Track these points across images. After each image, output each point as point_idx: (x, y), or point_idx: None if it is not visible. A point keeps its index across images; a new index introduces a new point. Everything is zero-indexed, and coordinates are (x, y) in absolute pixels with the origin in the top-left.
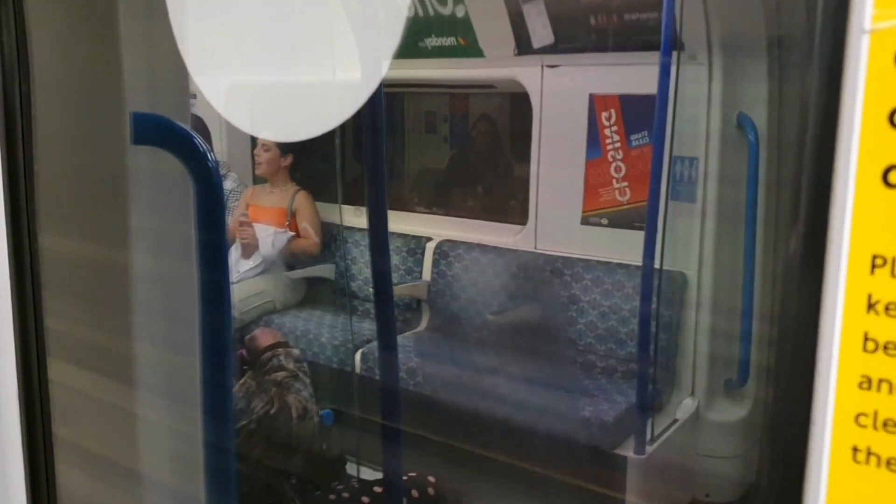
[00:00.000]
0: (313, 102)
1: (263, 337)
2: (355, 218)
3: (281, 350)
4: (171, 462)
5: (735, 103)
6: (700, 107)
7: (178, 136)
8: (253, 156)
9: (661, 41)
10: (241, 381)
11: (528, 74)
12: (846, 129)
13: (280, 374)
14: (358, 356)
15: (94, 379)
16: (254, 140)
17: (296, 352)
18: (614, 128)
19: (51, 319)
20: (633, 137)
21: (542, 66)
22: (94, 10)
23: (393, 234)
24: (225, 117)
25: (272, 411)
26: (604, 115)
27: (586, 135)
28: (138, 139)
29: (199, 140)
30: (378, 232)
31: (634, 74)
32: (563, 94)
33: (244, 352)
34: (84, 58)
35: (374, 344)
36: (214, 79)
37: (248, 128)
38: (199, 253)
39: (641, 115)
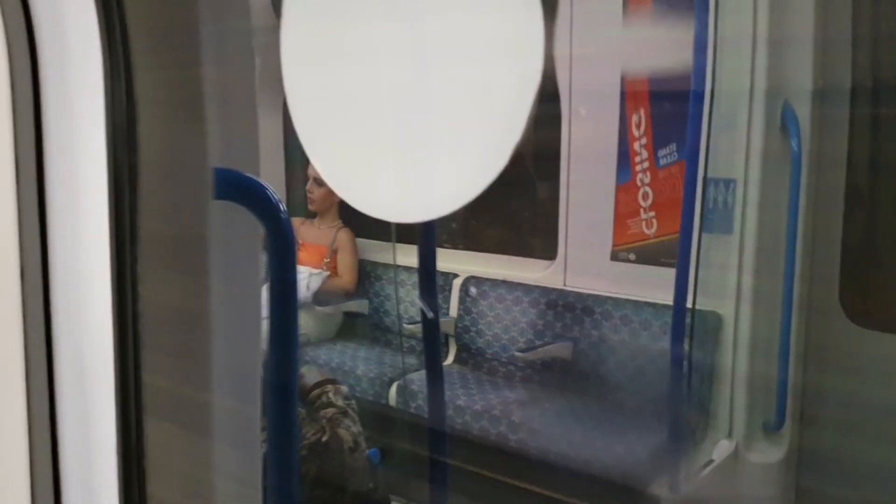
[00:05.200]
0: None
1: (311, 374)
2: (387, 254)
3: (330, 387)
4: None
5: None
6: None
7: (252, 189)
8: (289, 190)
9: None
10: None
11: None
12: None
13: (330, 411)
14: (393, 389)
15: (179, 432)
16: (288, 174)
17: (344, 389)
18: (643, 140)
19: (147, 375)
20: (660, 154)
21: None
22: (182, 78)
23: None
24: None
25: (324, 440)
26: (634, 119)
27: (617, 144)
28: (219, 194)
29: (271, 192)
30: (427, 271)
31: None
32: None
33: None
34: (174, 120)
35: (409, 377)
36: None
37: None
38: (271, 299)
39: (671, 121)
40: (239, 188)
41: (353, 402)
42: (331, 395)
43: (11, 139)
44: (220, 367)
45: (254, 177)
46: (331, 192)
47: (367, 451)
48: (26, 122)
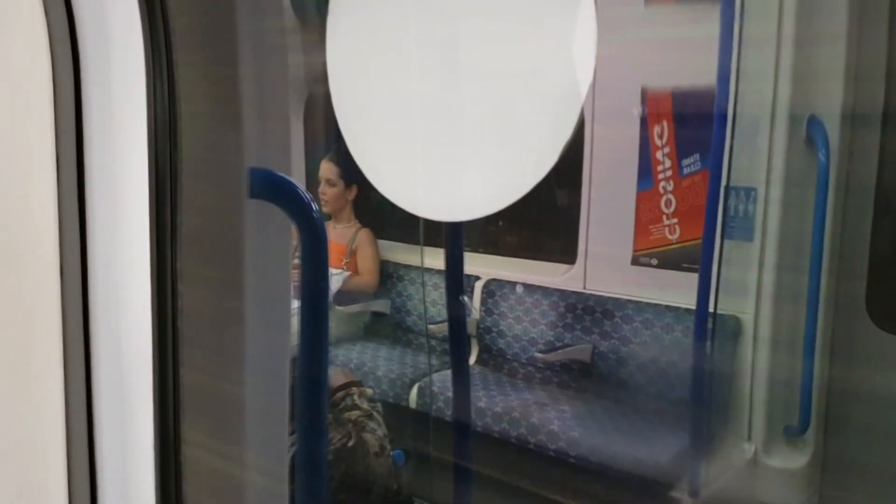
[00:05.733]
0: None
1: (336, 376)
2: (409, 256)
3: (354, 389)
4: None
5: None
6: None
7: (285, 188)
8: (313, 192)
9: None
10: None
11: None
12: None
13: (354, 413)
14: (414, 390)
15: (214, 429)
16: (308, 177)
17: (369, 391)
18: (666, 149)
19: (184, 372)
20: (684, 163)
21: None
22: (220, 77)
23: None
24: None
25: (350, 444)
26: (656, 129)
27: (638, 150)
28: (254, 193)
29: (303, 191)
30: (454, 272)
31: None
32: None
33: None
34: (212, 120)
35: (430, 378)
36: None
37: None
38: (303, 298)
39: (694, 132)
40: (273, 187)
41: (378, 404)
42: (355, 397)
43: (53, 137)
44: (252, 366)
45: (287, 176)
46: (343, 192)
47: (392, 454)
48: (68, 120)
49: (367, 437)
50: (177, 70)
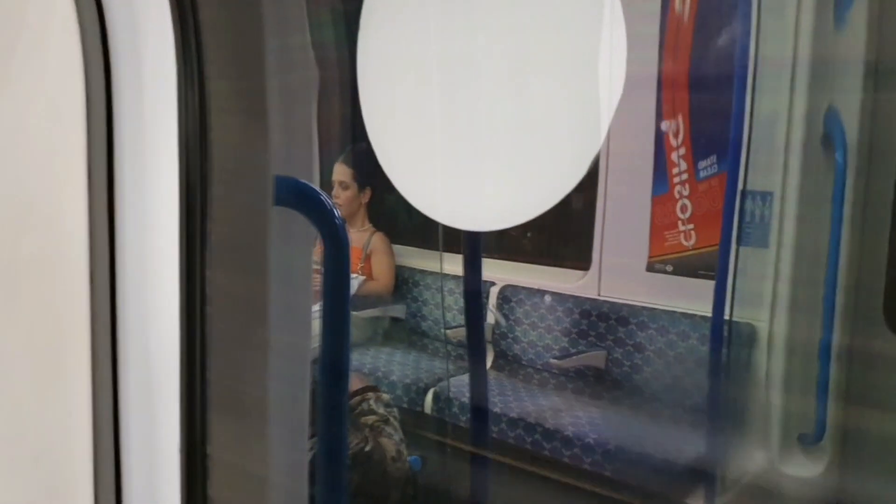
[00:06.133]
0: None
1: (353, 381)
2: (425, 261)
3: (371, 394)
4: None
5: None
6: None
7: (309, 196)
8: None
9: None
10: None
11: None
12: None
13: (371, 418)
14: (430, 396)
15: (239, 431)
16: (322, 180)
17: (386, 396)
18: (682, 150)
19: (210, 375)
20: (700, 166)
21: None
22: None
23: (459, 278)
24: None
25: (367, 449)
26: (671, 130)
27: (653, 155)
28: (279, 201)
29: (326, 199)
30: (473, 278)
31: None
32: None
33: None
34: (240, 128)
35: (446, 383)
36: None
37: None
38: (325, 304)
39: (711, 132)
40: (297, 195)
41: (395, 409)
42: (372, 402)
43: (85, 147)
44: (274, 369)
45: (310, 184)
46: (356, 196)
47: (409, 459)
48: (99, 128)
49: (384, 441)
50: (207, 82)
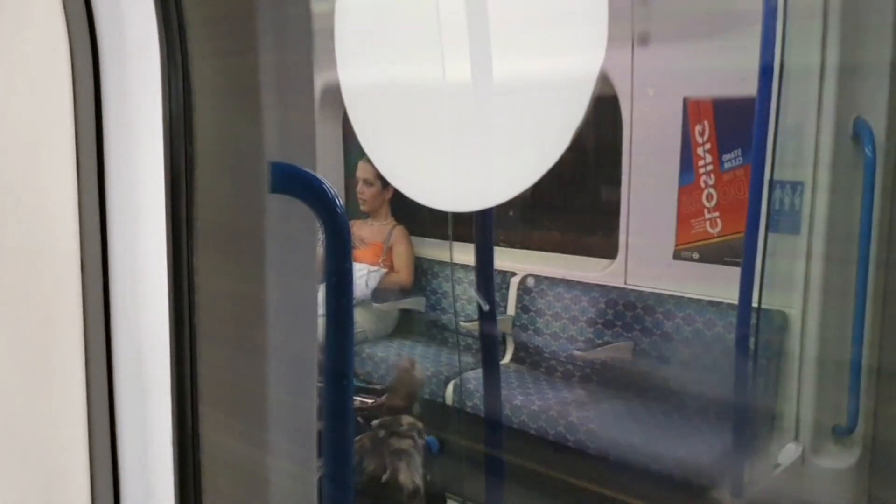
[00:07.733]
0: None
1: (393, 399)
2: (442, 252)
3: (407, 417)
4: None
5: (851, 108)
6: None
7: (309, 183)
8: (347, 191)
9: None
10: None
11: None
12: None
13: (398, 443)
14: (450, 388)
15: (234, 424)
16: (347, 175)
17: (420, 424)
18: (707, 146)
19: (203, 367)
20: (725, 158)
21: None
22: (238, 68)
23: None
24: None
25: (383, 479)
26: (697, 126)
27: (679, 145)
28: (275, 188)
29: (328, 186)
30: (483, 266)
31: None
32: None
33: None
34: (229, 111)
35: (466, 375)
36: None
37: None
38: (327, 293)
39: (736, 128)
40: (295, 182)
41: (423, 440)
42: (405, 426)
43: (72, 130)
44: (276, 361)
45: (310, 171)
46: (380, 192)
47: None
48: (86, 113)
49: (403, 477)
50: (192, 61)
